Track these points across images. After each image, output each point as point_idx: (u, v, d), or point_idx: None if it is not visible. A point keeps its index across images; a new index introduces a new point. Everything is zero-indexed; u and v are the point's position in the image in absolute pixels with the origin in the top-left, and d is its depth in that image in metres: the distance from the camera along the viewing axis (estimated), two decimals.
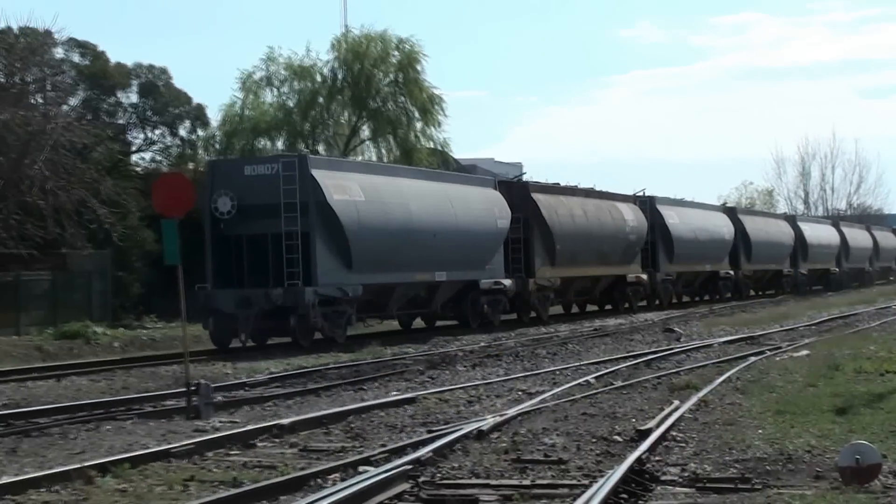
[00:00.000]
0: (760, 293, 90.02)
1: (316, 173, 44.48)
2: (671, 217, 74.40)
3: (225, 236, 44.95)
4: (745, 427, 21.69)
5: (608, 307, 71.05)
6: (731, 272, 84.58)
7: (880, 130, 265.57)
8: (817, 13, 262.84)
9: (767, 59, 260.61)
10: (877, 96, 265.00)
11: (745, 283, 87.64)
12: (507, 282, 56.26)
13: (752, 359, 35.90)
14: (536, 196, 59.72)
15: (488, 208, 55.47)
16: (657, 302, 73.75)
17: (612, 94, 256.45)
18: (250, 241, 44.23)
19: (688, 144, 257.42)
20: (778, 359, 36.19)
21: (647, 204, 73.58)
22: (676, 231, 74.24)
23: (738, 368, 32.70)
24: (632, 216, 69.18)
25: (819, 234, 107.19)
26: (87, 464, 18.74)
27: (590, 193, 71.88)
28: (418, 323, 56.74)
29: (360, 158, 75.18)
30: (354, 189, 45.85)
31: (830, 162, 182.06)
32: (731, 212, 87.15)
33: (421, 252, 48.25)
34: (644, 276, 70.62)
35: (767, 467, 17.38)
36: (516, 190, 60.24)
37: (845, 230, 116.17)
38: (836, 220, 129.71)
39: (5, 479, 17.63)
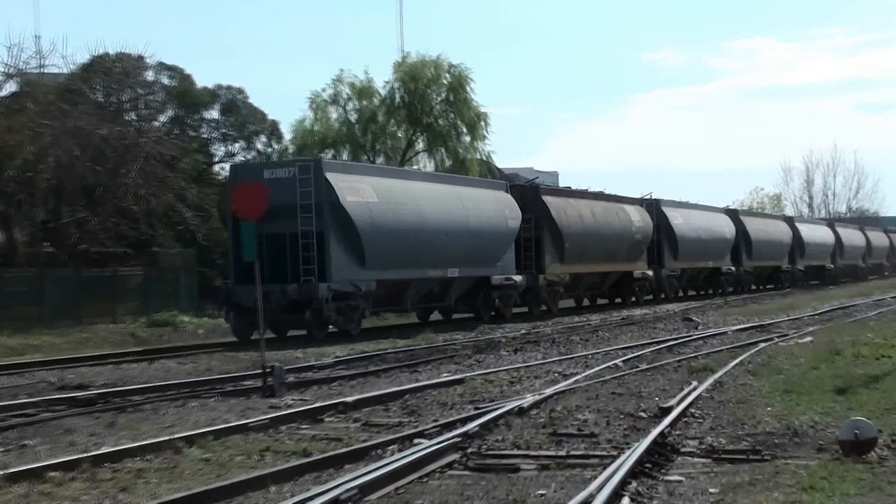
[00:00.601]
0: (761, 287, 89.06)
1: (330, 176, 42.46)
2: (675, 218, 73.41)
3: None
4: (755, 405, 21.57)
5: (618, 300, 69.15)
6: (733, 268, 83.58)
7: (877, 142, 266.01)
8: (821, 38, 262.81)
9: (776, 79, 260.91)
10: (874, 112, 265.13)
11: (746, 278, 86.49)
12: (518, 278, 54.36)
13: (762, 344, 35.70)
14: (547, 198, 58.38)
15: (499, 209, 53.27)
16: (662, 296, 72.72)
17: (638, 110, 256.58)
18: (270, 240, 41.64)
19: (705, 155, 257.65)
20: (784, 345, 36.00)
21: (653, 206, 72.52)
22: (680, 231, 73.21)
23: (749, 353, 32.51)
24: (638, 217, 67.88)
25: (815, 233, 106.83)
26: (175, 436, 18.81)
27: (598, 196, 69.92)
28: (435, 316, 54.90)
29: (416, 167, 74.24)
30: (367, 191, 43.79)
31: (832, 170, 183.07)
32: (732, 213, 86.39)
33: (433, 250, 46.13)
34: (650, 273, 69.47)
35: (775, 441, 17.26)
36: (528, 193, 58.47)
37: (840, 230, 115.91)
38: (832, 221, 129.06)
39: (105, 450, 17.66)
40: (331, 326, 42.79)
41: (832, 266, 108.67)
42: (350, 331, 42.68)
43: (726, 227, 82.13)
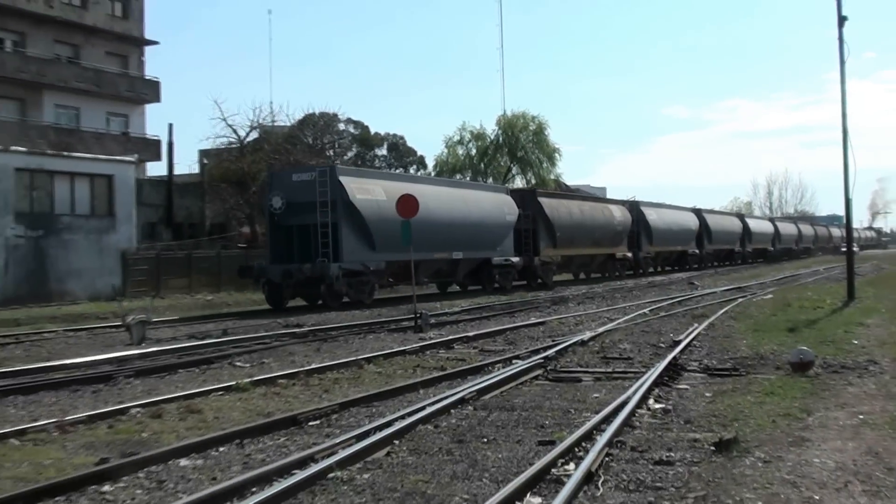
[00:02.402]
0: (718, 264, 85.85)
1: (343, 179, 38.20)
2: (650, 214, 70.42)
3: (279, 225, 39.03)
4: (735, 339, 21.43)
5: (606, 275, 64.12)
6: (697, 251, 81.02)
7: (814, 166, 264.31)
8: (778, 99, 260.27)
9: (748, 126, 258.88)
10: (811, 147, 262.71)
11: (707, 258, 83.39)
12: (515, 259, 49.40)
13: (740, 299, 35.41)
14: (541, 199, 53.99)
15: (498, 207, 48.59)
16: (640, 271, 68.94)
17: (658, 147, 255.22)
18: (300, 230, 38.17)
19: (702, 176, 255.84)
20: (755, 299, 35.70)
21: (634, 206, 69.31)
22: (654, 224, 70.16)
23: (731, 305, 32.27)
24: (619, 214, 64.10)
25: (760, 226, 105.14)
26: (359, 357, 19.00)
27: (587, 198, 67.89)
28: (453, 288, 49.73)
29: (510, 186, 73.38)
30: (377, 191, 39.42)
31: (785, 185, 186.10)
32: (697, 211, 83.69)
33: (438, 237, 41.35)
34: (629, 255, 65.99)
35: (749, 362, 17.17)
36: (527, 195, 53.79)
37: (778, 224, 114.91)
38: (772, 217, 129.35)
39: (314, 365, 17.86)
40: (345, 298, 38.27)
41: (772, 249, 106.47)
42: (363, 300, 38.62)
43: (692, 221, 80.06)
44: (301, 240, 38.14)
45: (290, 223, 38.54)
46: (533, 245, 51.61)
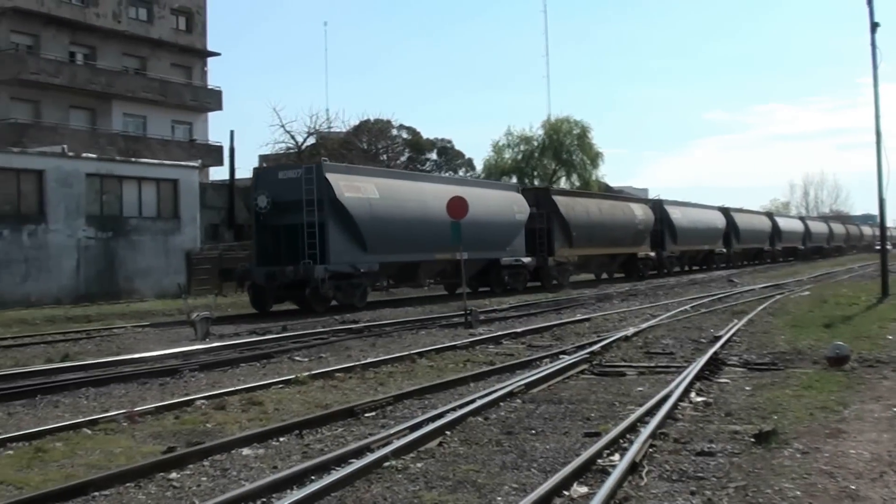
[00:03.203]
0: (748, 263, 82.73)
1: (329, 176, 34.58)
2: (675, 213, 66.22)
3: (266, 226, 35.53)
4: (774, 334, 21.28)
5: (621, 275, 59.85)
6: (724, 250, 77.24)
7: (850, 168, 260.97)
8: (813, 103, 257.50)
9: (786, 130, 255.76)
10: (848, 149, 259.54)
11: (735, 257, 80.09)
12: (527, 259, 45.54)
13: (778, 296, 35.16)
14: (556, 198, 50.24)
15: (507, 205, 44.73)
16: (665, 271, 64.65)
17: (699, 149, 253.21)
18: (287, 230, 34.79)
19: (743, 178, 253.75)
20: (792, 296, 35.44)
21: (657, 205, 64.87)
22: (678, 223, 66.00)
23: (769, 301, 32.05)
24: (641, 213, 59.76)
25: (790, 224, 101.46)
26: (412, 351, 19.03)
27: (606, 196, 63.93)
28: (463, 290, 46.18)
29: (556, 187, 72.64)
30: (369, 189, 36.05)
31: (821, 186, 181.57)
32: (725, 210, 79.31)
33: (439, 237, 35.43)
34: (652, 254, 61.68)
35: (787, 357, 17.06)
36: (541, 194, 50.33)
37: (809, 222, 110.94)
38: (803, 216, 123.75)
39: (370, 359, 17.91)
40: (333, 301, 34.86)
41: (803, 247, 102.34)
42: (355, 303, 35.08)
43: (718, 220, 76.26)
44: (289, 241, 34.93)
45: (278, 223, 35.36)
46: (548, 245, 48.26)
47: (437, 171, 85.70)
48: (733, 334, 21.25)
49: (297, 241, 34.47)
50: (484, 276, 44.02)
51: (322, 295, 33.98)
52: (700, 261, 74.06)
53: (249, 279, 35.12)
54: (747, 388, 13.93)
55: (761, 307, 29.43)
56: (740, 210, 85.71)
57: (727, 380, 14.74)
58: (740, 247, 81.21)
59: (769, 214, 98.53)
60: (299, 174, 34.77)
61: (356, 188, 35.56)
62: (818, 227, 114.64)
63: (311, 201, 33.94)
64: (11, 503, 7.94)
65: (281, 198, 34.78)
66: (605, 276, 58.45)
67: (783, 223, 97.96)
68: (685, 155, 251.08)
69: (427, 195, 37.72)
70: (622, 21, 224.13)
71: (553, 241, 48.74)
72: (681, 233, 66.36)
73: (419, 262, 38.32)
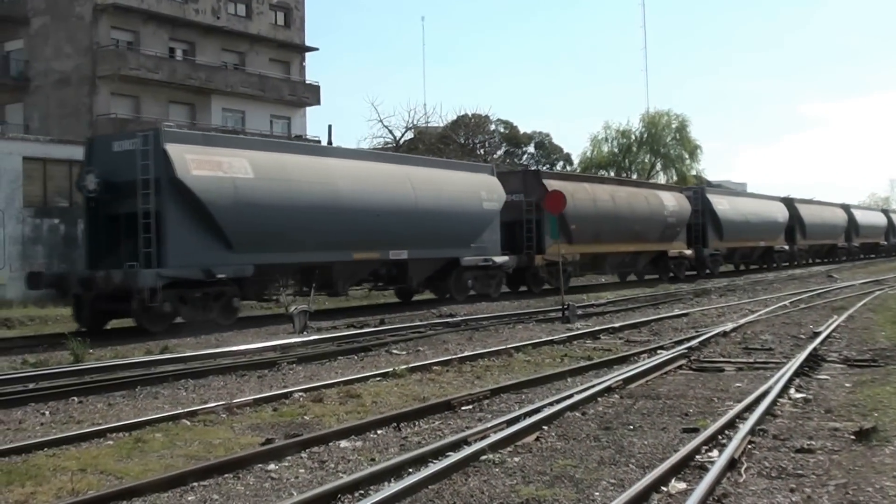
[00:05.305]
0: (817, 261, 73.83)
1: (170, 147, 24.43)
2: (720, 204, 55.31)
3: (100, 214, 25.78)
4: (874, 331, 20.94)
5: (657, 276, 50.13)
6: (786, 246, 65.53)
7: None
8: None
9: (886, 121, 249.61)
10: None
11: (800, 254, 69.30)
12: (501, 259, 36.11)
13: (878, 292, 34.54)
14: (548, 182, 39.63)
15: (472, 191, 34.95)
16: (707, 271, 53.91)
17: (792, 144, 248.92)
18: (126, 220, 25.04)
19: (840, 172, 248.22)
20: (892, 292, 34.80)
21: (698, 193, 54.25)
22: (724, 215, 54.87)
23: (869, 297, 31.52)
24: (673, 203, 49.52)
25: (869, 217, 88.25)
26: (509, 346, 19.03)
27: (624, 182, 53.94)
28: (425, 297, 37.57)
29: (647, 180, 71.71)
30: (237, 165, 25.95)
31: None
32: (788, 201, 67.94)
33: (358, 231, 29.33)
34: (688, 252, 50.95)
35: (887, 353, 16.78)
36: (530, 178, 40.45)
37: (893, 215, 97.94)
38: (886, 210, 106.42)
39: (467, 353, 17.94)
40: (178, 318, 25.10)
41: (886, 243, 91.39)
42: (220, 321, 25.41)
43: (778, 212, 64.97)
44: (130, 236, 25.12)
45: (116, 212, 25.71)
46: (536, 241, 39.15)
47: (535, 165, 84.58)
48: (833, 330, 20.94)
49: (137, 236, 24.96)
50: (441, 280, 35.14)
51: (154, 310, 24.12)
52: (756, 259, 64.46)
53: (64, 287, 25.48)
54: (847, 384, 13.71)
55: (861, 303, 28.95)
56: (807, 201, 74.60)
57: (827, 376, 14.53)
58: (806, 242, 70.86)
59: (845, 207, 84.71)
60: (135, 145, 24.96)
61: (214, 164, 25.70)
62: None
63: (147, 182, 24.40)
64: (112, 492, 8.10)
65: (116, 177, 25.25)
66: (632, 277, 50.29)
67: (861, 216, 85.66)
68: (782, 149, 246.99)
69: (336, 175, 29.45)
70: (717, 15, 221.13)
71: (542, 236, 39.30)
72: (727, 226, 55.94)
73: (330, 262, 29.66)
